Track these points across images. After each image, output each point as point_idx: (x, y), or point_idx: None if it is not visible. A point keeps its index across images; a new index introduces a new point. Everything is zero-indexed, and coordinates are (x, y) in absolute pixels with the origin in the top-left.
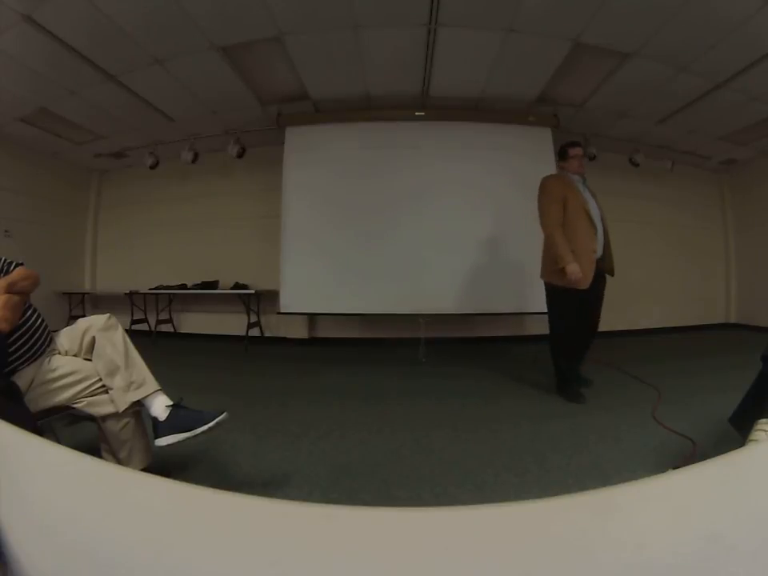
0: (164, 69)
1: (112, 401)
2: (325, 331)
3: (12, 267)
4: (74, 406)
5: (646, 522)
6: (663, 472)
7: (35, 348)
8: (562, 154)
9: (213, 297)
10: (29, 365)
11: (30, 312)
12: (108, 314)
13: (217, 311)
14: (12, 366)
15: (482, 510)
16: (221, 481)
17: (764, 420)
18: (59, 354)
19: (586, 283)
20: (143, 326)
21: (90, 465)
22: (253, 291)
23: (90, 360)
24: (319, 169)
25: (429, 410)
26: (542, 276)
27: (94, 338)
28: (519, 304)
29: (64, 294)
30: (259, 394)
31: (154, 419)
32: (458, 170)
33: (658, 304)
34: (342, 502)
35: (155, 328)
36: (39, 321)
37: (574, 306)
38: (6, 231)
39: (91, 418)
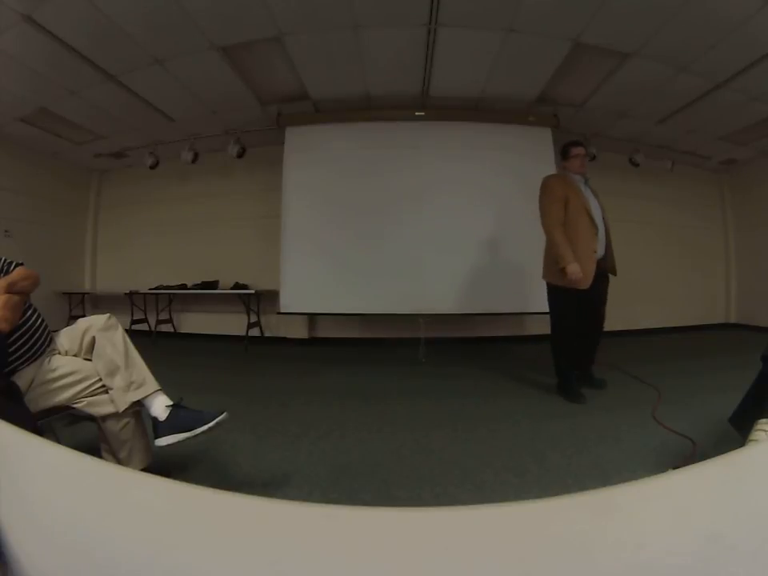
0: (164, 69)
1: (112, 401)
2: (325, 331)
3: (12, 267)
4: (74, 405)
5: (646, 522)
6: (663, 472)
7: (35, 348)
8: (563, 153)
9: (213, 297)
10: (29, 365)
11: (30, 312)
12: (108, 314)
13: (217, 311)
14: (12, 365)
15: (481, 510)
16: (221, 481)
17: (764, 420)
18: (59, 354)
19: (586, 283)
20: (143, 326)
21: (90, 465)
22: (253, 291)
23: (90, 360)
24: (319, 169)
25: (429, 410)
26: (544, 276)
27: (94, 338)
28: (519, 304)
29: (64, 293)
30: (259, 394)
31: (154, 419)
32: (458, 169)
33: (657, 304)
34: (342, 502)
35: (155, 328)
36: (39, 321)
37: (575, 306)
38: (6, 231)
39: (91, 418)
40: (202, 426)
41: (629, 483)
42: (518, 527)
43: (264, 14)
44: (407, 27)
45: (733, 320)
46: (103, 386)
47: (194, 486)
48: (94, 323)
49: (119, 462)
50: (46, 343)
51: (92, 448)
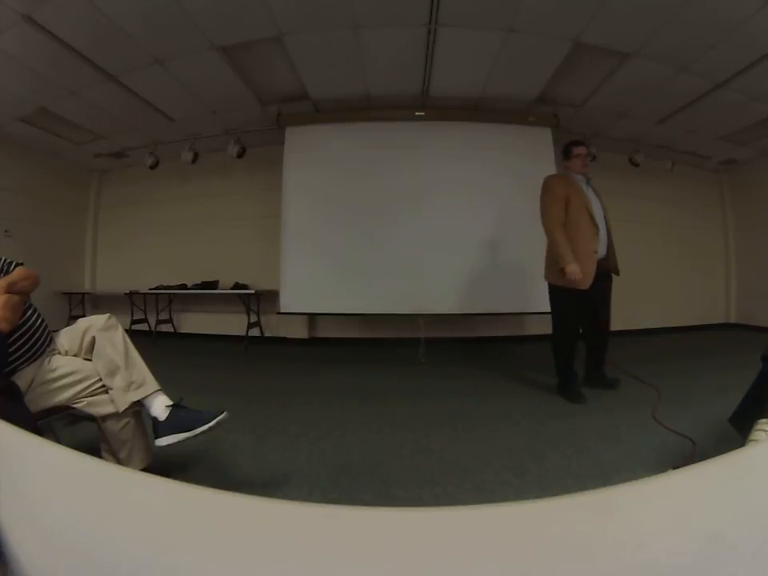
0: (164, 69)
1: (112, 401)
2: (325, 331)
3: (12, 267)
4: (74, 405)
5: (646, 522)
6: (663, 472)
7: (35, 348)
8: (565, 153)
9: (213, 297)
10: (29, 365)
11: (30, 312)
12: (108, 314)
13: (217, 311)
14: (12, 365)
15: (481, 510)
16: (221, 481)
17: (764, 420)
18: (59, 354)
19: (586, 283)
20: (143, 326)
21: (90, 465)
22: (253, 291)
23: (90, 360)
24: (319, 169)
25: (429, 410)
26: (546, 277)
27: (94, 338)
28: (519, 304)
29: (64, 293)
30: (259, 394)
31: (154, 419)
32: (458, 169)
33: (657, 304)
34: (342, 502)
35: (155, 328)
36: (39, 321)
37: (575, 306)
38: (6, 231)
39: (91, 418)
40: (201, 425)
41: (629, 483)
42: (518, 527)
43: (264, 14)
44: (407, 27)
45: (733, 320)
46: (103, 386)
47: (194, 486)
48: (93, 323)
49: (119, 461)
50: (46, 343)
51: (92, 448)
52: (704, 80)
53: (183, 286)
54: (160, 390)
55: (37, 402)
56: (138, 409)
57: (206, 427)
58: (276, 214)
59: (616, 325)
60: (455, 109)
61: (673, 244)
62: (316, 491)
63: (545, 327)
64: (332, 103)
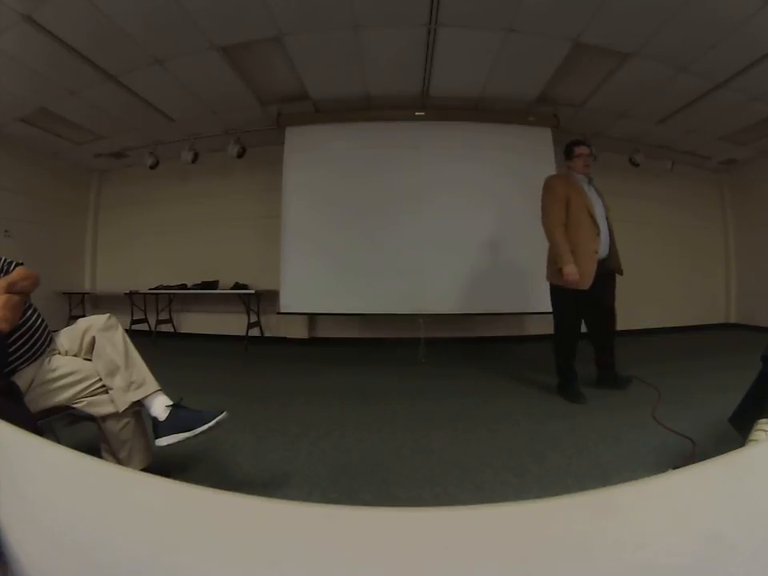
0: (164, 69)
1: (112, 401)
2: (325, 331)
3: (12, 267)
4: (74, 405)
5: (646, 522)
6: (663, 472)
7: (35, 348)
8: (567, 153)
9: (213, 297)
10: (29, 365)
11: (30, 312)
12: (108, 314)
13: (217, 311)
14: (12, 365)
15: (481, 510)
16: (221, 481)
17: (764, 420)
18: (59, 354)
19: (585, 284)
20: (143, 326)
21: (90, 465)
22: (253, 291)
23: (90, 360)
24: (319, 169)
25: (429, 410)
26: (547, 277)
27: (94, 338)
28: (519, 304)
29: (64, 293)
30: (259, 394)
31: (154, 419)
32: (458, 169)
33: (657, 304)
34: (342, 502)
35: (155, 328)
36: (39, 321)
37: (576, 306)
38: (6, 231)
39: (91, 418)
40: (201, 425)
41: (629, 483)
42: (518, 527)
43: (264, 14)
44: (407, 27)
45: (733, 320)
46: (103, 386)
47: (194, 486)
48: (93, 323)
49: (119, 461)
50: (46, 343)
51: (92, 448)
52: (704, 80)
53: (183, 286)
54: (160, 389)
55: (37, 402)
56: (138, 409)
57: (205, 427)
58: (276, 214)
59: (616, 325)
60: (455, 109)
61: (673, 244)
62: (316, 491)
63: (545, 327)
64: (332, 103)
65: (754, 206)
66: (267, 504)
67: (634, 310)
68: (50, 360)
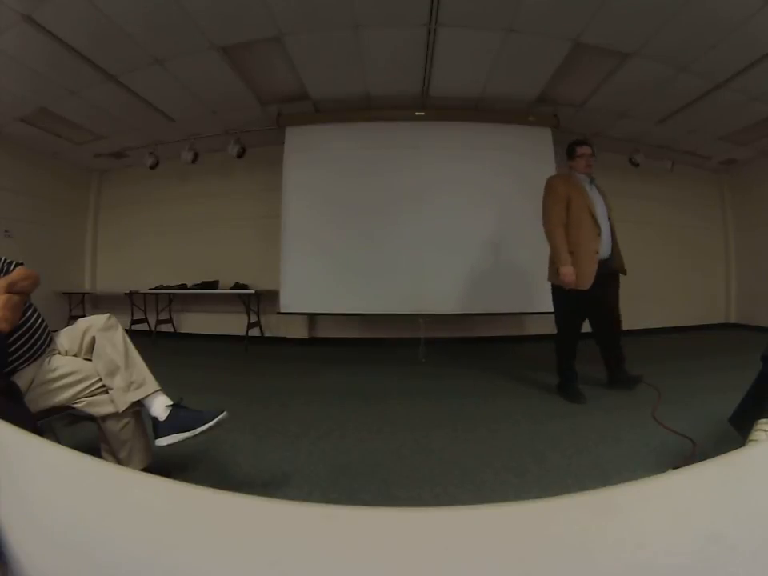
0: (164, 69)
1: (112, 401)
2: (325, 331)
3: (12, 267)
4: (74, 405)
5: (646, 522)
6: (663, 472)
7: (35, 348)
8: (569, 153)
9: (213, 297)
10: (29, 365)
11: (30, 312)
12: (108, 314)
13: (217, 311)
14: (12, 365)
15: (481, 510)
16: (221, 481)
17: (764, 420)
18: (59, 354)
19: (585, 284)
20: (143, 326)
21: (90, 465)
22: (253, 291)
23: (90, 360)
24: (319, 169)
25: (429, 410)
26: (549, 278)
27: (94, 338)
28: (519, 304)
29: (64, 293)
30: (259, 394)
31: (154, 419)
32: (458, 169)
33: (657, 304)
34: (342, 502)
35: (155, 328)
36: (39, 321)
37: (577, 306)
38: (6, 231)
39: (91, 418)
40: (201, 425)
41: (629, 483)
42: (518, 527)
43: (264, 14)
44: (407, 27)
45: (733, 320)
46: (103, 386)
47: (194, 485)
48: (93, 323)
49: (119, 461)
50: (46, 343)
51: (92, 448)
52: (704, 80)
53: (183, 286)
54: (160, 389)
55: (37, 402)
56: (138, 409)
57: (205, 427)
58: (276, 214)
59: (621, 325)
60: (455, 109)
61: (673, 244)
62: (316, 491)
63: (544, 327)
64: (332, 103)
65: (754, 205)
66: (267, 504)
67: (634, 310)
68: (50, 360)
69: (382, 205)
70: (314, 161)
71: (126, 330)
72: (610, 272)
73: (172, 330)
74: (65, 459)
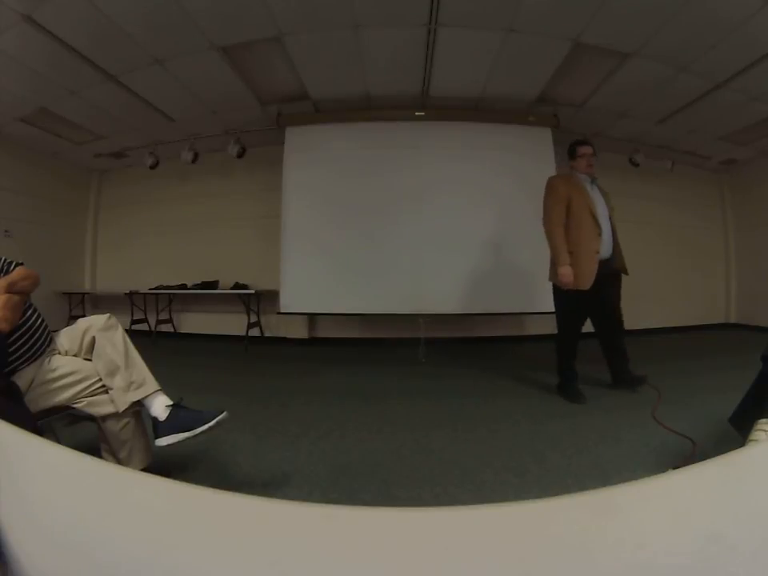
0: (164, 69)
1: (112, 401)
2: (325, 331)
3: (12, 267)
4: (74, 405)
5: (646, 522)
6: (663, 472)
7: (35, 348)
8: (570, 153)
9: (213, 297)
10: (29, 365)
11: (30, 312)
12: (108, 314)
13: (217, 311)
14: (12, 365)
15: (481, 510)
16: (221, 481)
17: (764, 420)
18: (59, 354)
19: (585, 284)
20: (143, 326)
21: (90, 465)
22: (253, 291)
23: (90, 360)
24: (319, 169)
25: (429, 410)
26: (550, 278)
27: (94, 338)
28: (519, 304)
29: (64, 293)
30: (259, 394)
31: (154, 419)
32: (458, 169)
33: (657, 304)
34: (341, 502)
35: (155, 328)
36: (39, 321)
37: (578, 306)
38: (6, 231)
39: (91, 418)
40: (201, 425)
41: (629, 483)
42: (518, 527)
43: (264, 14)
44: (407, 27)
45: (733, 320)
46: (103, 386)
47: (194, 485)
48: (93, 323)
49: (119, 461)
50: (46, 343)
51: (92, 448)
52: (704, 80)
53: (183, 286)
54: (160, 389)
55: (37, 402)
56: (138, 409)
57: (205, 427)
58: (276, 214)
59: (624, 325)
60: (455, 109)
61: (673, 244)
62: (316, 491)
63: (544, 327)
64: (332, 103)
65: (754, 205)
66: (267, 504)
67: (634, 310)
68: (50, 360)
69: (382, 205)
70: (314, 161)
71: (126, 330)
72: (611, 272)
73: (172, 330)
74: (65, 459)
